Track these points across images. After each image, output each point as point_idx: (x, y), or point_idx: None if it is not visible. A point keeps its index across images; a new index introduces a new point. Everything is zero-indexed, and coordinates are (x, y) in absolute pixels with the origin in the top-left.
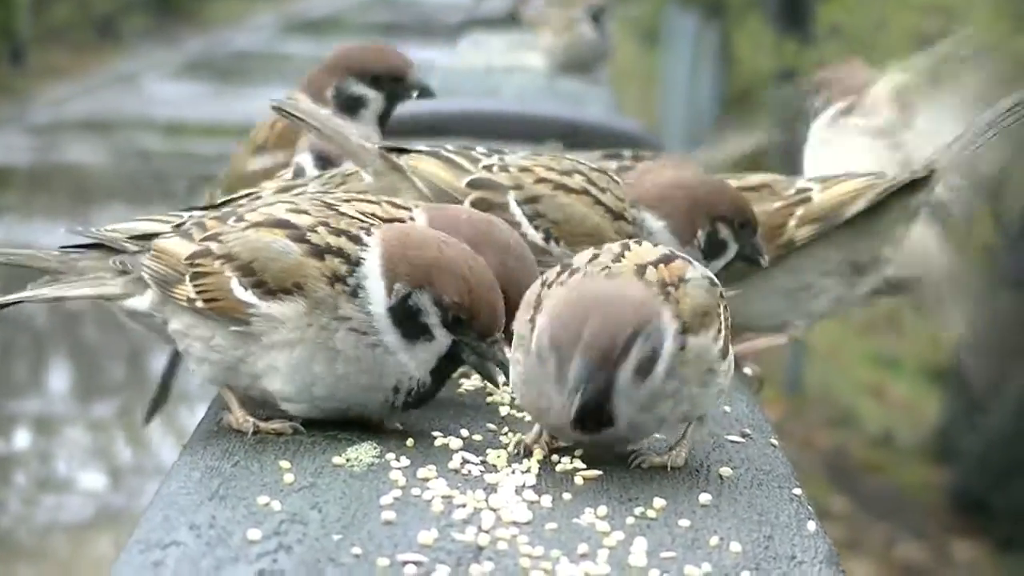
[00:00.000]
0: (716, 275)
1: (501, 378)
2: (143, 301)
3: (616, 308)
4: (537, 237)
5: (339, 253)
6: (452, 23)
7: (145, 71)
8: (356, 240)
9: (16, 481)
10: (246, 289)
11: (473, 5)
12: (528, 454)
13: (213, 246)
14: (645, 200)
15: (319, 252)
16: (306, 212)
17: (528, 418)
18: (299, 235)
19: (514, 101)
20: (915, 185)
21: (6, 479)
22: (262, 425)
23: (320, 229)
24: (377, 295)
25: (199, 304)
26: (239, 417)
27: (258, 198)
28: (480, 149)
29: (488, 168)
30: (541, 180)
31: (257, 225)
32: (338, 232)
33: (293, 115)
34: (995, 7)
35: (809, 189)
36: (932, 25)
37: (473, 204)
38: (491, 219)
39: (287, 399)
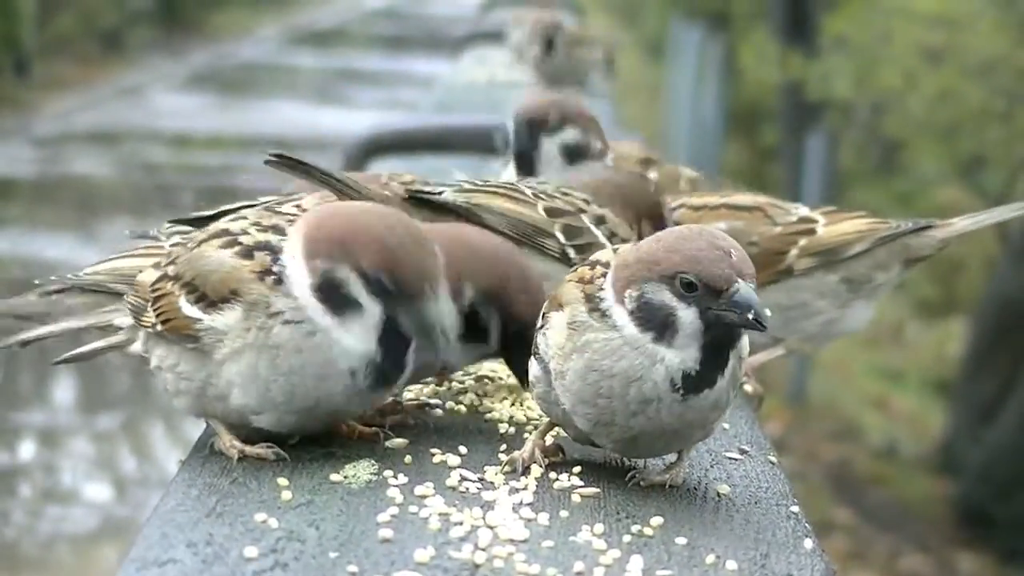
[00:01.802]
0: None
1: (441, 341)
2: (138, 346)
3: (725, 241)
4: None
5: (266, 247)
6: (457, 36)
7: (151, 83)
8: (281, 232)
9: (21, 492)
10: (192, 304)
11: (478, 18)
12: (526, 471)
13: (169, 269)
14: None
15: (248, 252)
16: (244, 218)
17: (526, 435)
18: (232, 240)
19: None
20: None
21: (11, 490)
22: (247, 450)
23: (251, 229)
24: (300, 277)
25: (159, 327)
26: (227, 442)
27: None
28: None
29: (536, 195)
30: (587, 200)
31: (202, 242)
32: (267, 228)
33: (296, 165)
34: (998, 20)
35: (814, 221)
36: (936, 38)
37: (563, 231)
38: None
39: (253, 412)
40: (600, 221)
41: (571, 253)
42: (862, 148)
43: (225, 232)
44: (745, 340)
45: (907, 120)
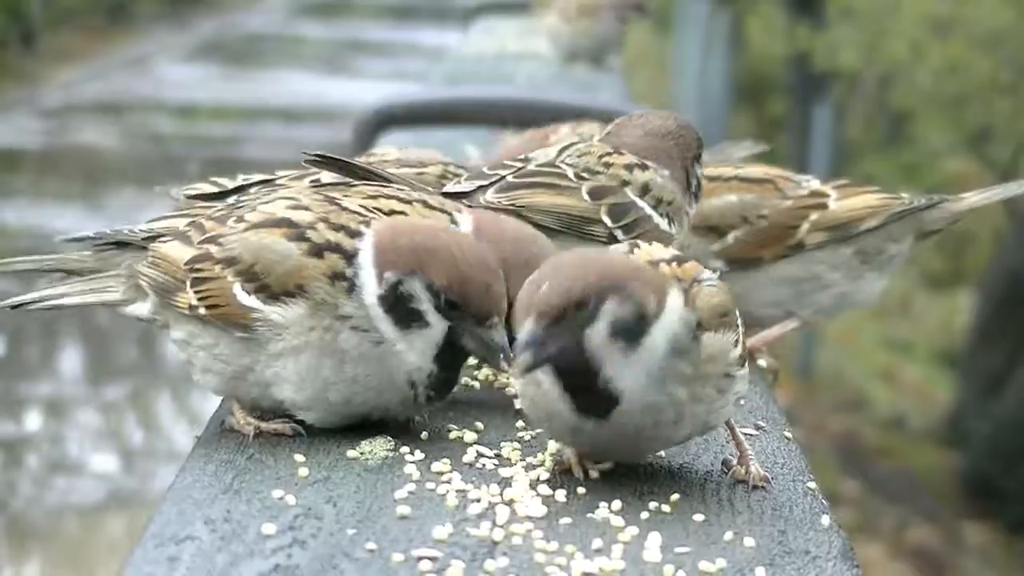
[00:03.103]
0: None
1: (503, 362)
2: (143, 308)
3: (581, 269)
4: (664, 224)
5: (337, 249)
6: (466, 7)
7: (156, 54)
8: (355, 235)
9: (28, 464)
10: (249, 294)
11: None
12: (565, 469)
13: (213, 249)
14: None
15: (319, 250)
16: (306, 208)
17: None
18: (299, 233)
19: (525, 88)
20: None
21: (18, 462)
22: (263, 426)
23: (319, 226)
24: (370, 286)
25: (201, 311)
26: (240, 419)
27: (271, 187)
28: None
29: (579, 176)
30: (629, 167)
31: (257, 226)
32: (337, 228)
33: (338, 164)
34: None
35: (826, 195)
36: (943, 9)
37: (608, 214)
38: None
39: (301, 408)
40: (645, 190)
41: (619, 235)
42: (869, 119)
43: (288, 222)
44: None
45: (914, 91)
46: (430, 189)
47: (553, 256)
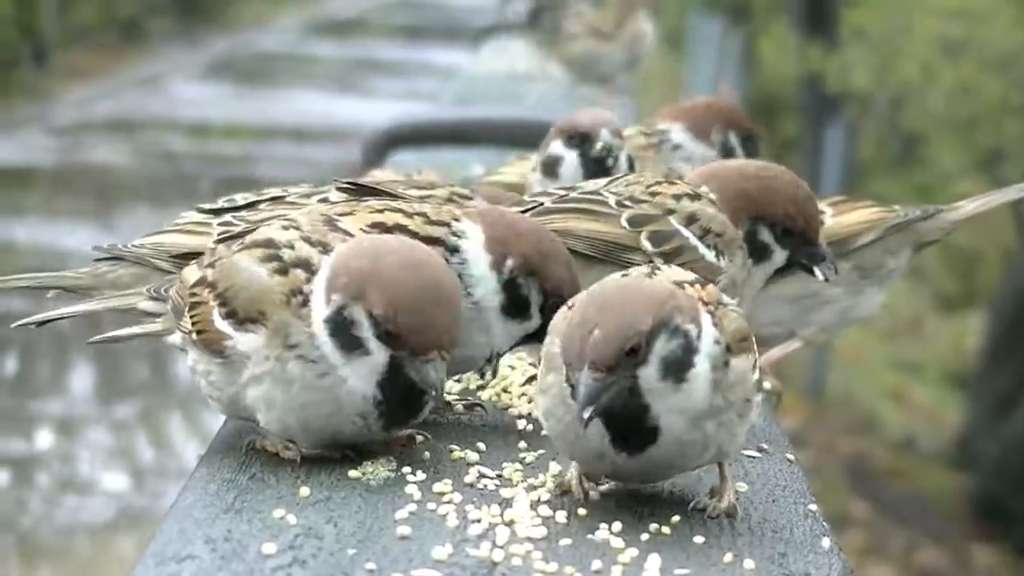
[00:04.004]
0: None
1: (430, 401)
2: (176, 337)
3: (628, 307)
4: (711, 256)
5: (305, 265)
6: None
7: (169, 72)
8: (327, 250)
9: (38, 482)
10: (223, 319)
11: (499, 7)
12: (565, 491)
13: (208, 273)
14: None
15: (284, 268)
16: (296, 228)
17: (544, 432)
18: (273, 254)
19: (535, 108)
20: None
21: (28, 479)
22: (304, 451)
23: (298, 243)
24: (319, 307)
25: (194, 336)
26: (275, 443)
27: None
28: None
29: (620, 204)
30: (677, 196)
31: (245, 247)
32: (316, 244)
33: (365, 190)
34: (1016, 14)
35: (821, 212)
36: (955, 31)
37: (649, 239)
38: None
39: (278, 434)
40: (691, 220)
41: (659, 262)
42: (881, 140)
43: (270, 243)
44: (705, 363)
45: (926, 113)
46: (441, 200)
47: (593, 288)
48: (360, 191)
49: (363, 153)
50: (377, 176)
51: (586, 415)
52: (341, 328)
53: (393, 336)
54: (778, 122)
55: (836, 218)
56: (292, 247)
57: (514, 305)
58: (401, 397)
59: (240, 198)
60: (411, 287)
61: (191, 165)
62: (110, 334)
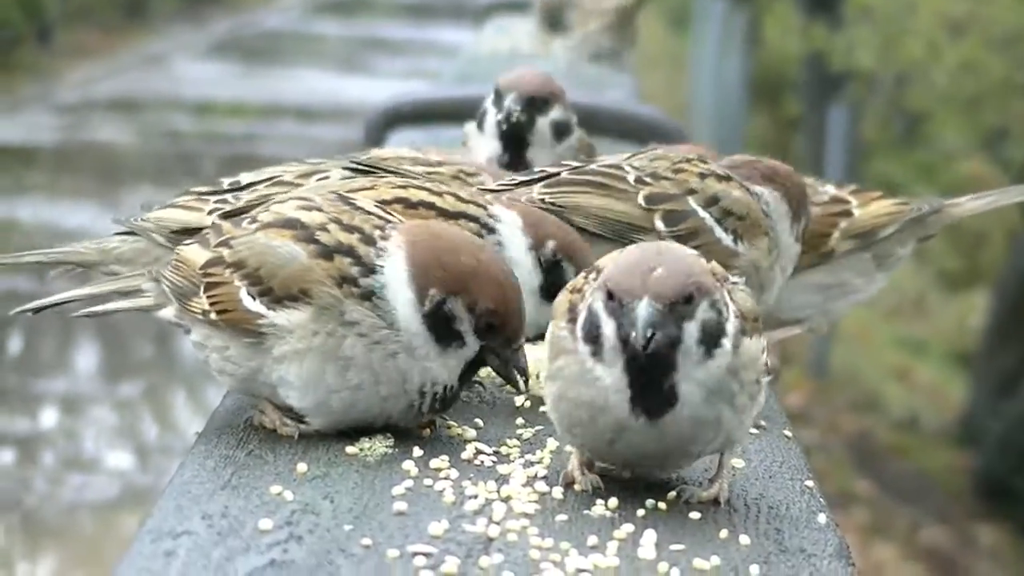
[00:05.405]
0: None
1: (522, 384)
2: (170, 311)
3: (684, 262)
4: (728, 240)
5: (350, 253)
6: (480, 5)
7: (173, 51)
8: (370, 241)
9: (42, 460)
10: (255, 299)
11: None
12: (569, 483)
13: (225, 253)
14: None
15: (328, 253)
16: (318, 209)
17: (543, 408)
18: (308, 235)
19: None
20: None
21: (32, 458)
22: (303, 427)
23: (331, 227)
24: (404, 301)
25: (212, 316)
26: (274, 419)
27: (279, 183)
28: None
29: (640, 181)
30: (703, 175)
31: (267, 227)
32: (350, 229)
33: (377, 171)
34: None
35: (848, 202)
36: (959, 9)
37: (664, 220)
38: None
39: (306, 413)
40: (712, 201)
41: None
42: (885, 119)
43: (297, 223)
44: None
45: (930, 92)
46: (467, 180)
47: (625, 250)
48: (373, 171)
49: (364, 132)
50: (382, 154)
51: (647, 336)
52: (440, 322)
53: (494, 328)
54: (782, 101)
55: (862, 208)
56: (326, 230)
57: (556, 287)
58: (466, 383)
59: (243, 179)
60: (502, 280)
61: (195, 144)
62: (99, 307)
